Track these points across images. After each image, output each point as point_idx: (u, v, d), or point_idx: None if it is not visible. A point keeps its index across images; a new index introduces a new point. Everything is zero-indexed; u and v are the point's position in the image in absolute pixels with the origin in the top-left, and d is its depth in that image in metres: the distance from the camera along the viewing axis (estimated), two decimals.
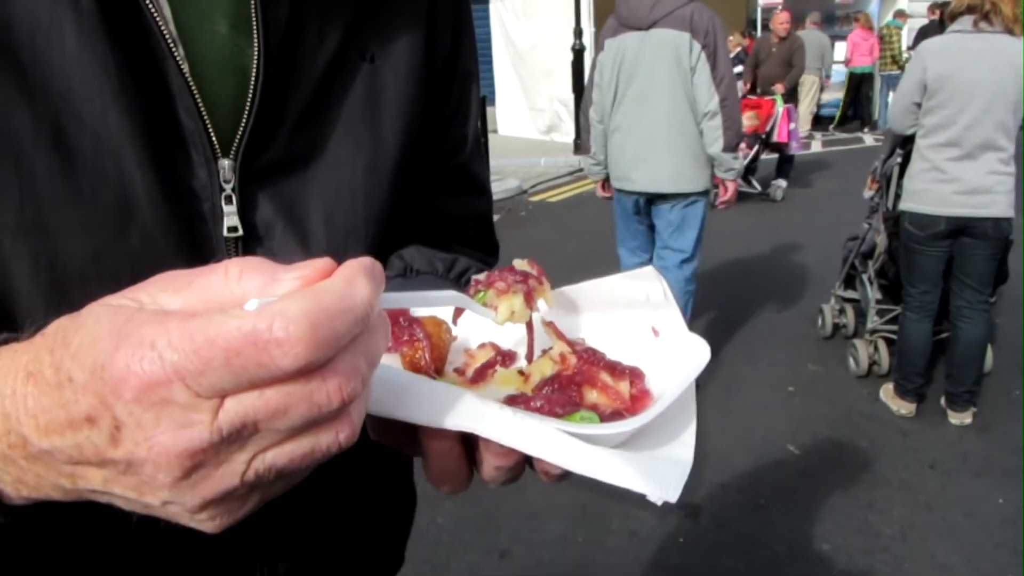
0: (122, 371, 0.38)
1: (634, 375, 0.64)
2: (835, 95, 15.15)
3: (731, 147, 3.99)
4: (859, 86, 15.06)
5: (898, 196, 3.99)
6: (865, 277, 4.60)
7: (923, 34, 15.31)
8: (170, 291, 0.43)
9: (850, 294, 4.93)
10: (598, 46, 4.38)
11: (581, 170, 11.76)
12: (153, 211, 0.61)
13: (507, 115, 15.04)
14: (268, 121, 0.66)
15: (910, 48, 15.21)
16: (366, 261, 0.44)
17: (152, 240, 0.61)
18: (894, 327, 4.25)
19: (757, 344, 5.09)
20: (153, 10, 0.59)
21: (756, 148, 8.89)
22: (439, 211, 0.87)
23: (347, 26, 0.71)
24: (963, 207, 3.60)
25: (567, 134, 13.33)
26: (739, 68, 13.52)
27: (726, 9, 16.37)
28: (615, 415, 0.59)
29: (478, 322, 0.70)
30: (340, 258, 0.47)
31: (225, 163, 0.64)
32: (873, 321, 4.49)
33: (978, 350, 3.89)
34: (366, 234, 0.73)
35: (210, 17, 0.64)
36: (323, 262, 0.43)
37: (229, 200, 0.65)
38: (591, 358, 0.64)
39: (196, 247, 0.63)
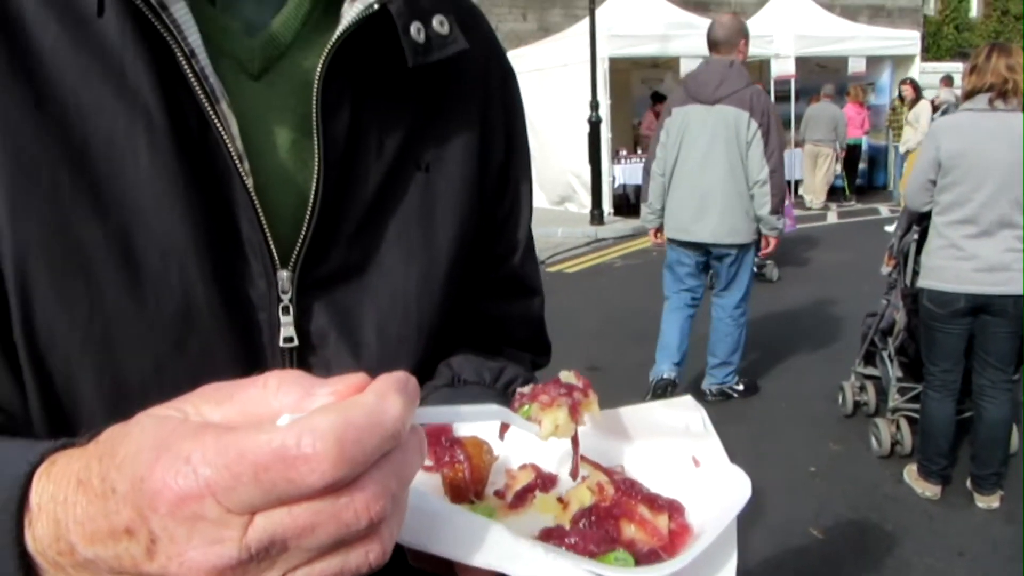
0: (158, 485, 0.39)
1: (673, 509, 0.62)
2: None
3: (776, 210, 4.77)
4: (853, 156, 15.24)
5: (916, 273, 3.96)
6: (885, 354, 4.54)
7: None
8: (212, 403, 0.44)
9: (870, 371, 4.86)
10: (665, 111, 5.05)
11: (599, 240, 11.83)
12: (213, 321, 0.63)
13: None
14: (326, 233, 0.68)
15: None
16: (400, 376, 0.44)
17: (211, 350, 0.63)
18: (916, 406, 4.18)
19: (777, 422, 5.02)
20: (221, 128, 0.62)
21: None
22: (490, 314, 0.87)
23: (404, 137, 0.73)
24: (982, 284, 3.57)
25: (581, 205, 13.43)
26: None
27: None
28: (652, 554, 0.58)
29: (521, 439, 0.68)
30: (391, 367, 0.49)
31: (284, 274, 0.66)
32: (894, 400, 4.42)
33: (1003, 431, 3.81)
34: (418, 342, 0.73)
35: (274, 132, 0.68)
36: (357, 377, 0.44)
37: (286, 311, 0.67)
38: (629, 490, 0.63)
39: (252, 357, 0.65)
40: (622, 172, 14.23)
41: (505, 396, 0.78)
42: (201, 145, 0.62)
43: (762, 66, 16.06)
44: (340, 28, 0.67)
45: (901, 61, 16.50)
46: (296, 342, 0.67)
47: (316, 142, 0.67)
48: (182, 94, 0.61)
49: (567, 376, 0.65)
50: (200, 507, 0.39)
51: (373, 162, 0.71)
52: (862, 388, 4.98)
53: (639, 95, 16.33)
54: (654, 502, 0.62)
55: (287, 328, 0.67)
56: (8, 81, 0.58)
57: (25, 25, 0.59)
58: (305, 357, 0.68)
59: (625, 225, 12.87)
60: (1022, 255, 3.55)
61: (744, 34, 4.72)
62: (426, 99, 0.75)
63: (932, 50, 25.18)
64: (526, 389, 0.64)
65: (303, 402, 0.42)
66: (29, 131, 0.58)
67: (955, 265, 3.63)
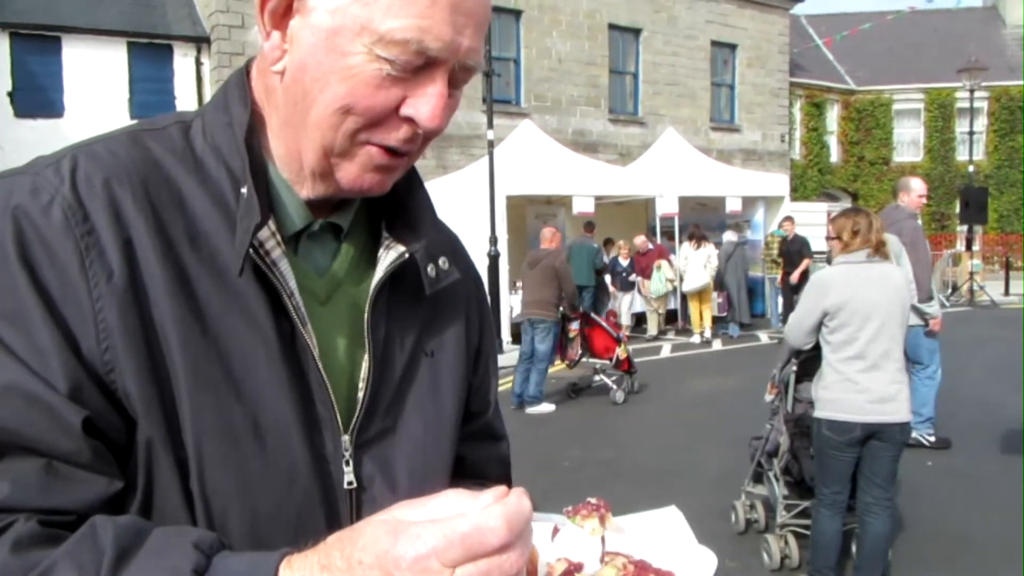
0: (400, 551, 0.65)
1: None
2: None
3: (924, 300, 6.72)
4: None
5: (796, 400, 4.41)
6: (771, 474, 4.92)
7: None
8: (409, 509, 0.72)
9: (759, 490, 5.22)
10: None
11: (499, 368, 12.04)
12: (306, 472, 0.87)
13: None
14: (371, 409, 0.93)
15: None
16: (522, 489, 0.72)
17: (306, 492, 0.87)
18: (802, 521, 4.54)
19: None
20: (309, 342, 0.88)
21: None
22: (470, 457, 1.12)
23: (417, 335, 1.00)
24: (875, 415, 4.04)
25: None
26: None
27: (632, 217, 17.64)
28: None
29: (542, 544, 0.94)
30: None
31: (345, 438, 0.91)
32: (782, 516, 4.77)
33: (884, 543, 4.20)
34: (434, 481, 0.97)
35: (336, 340, 0.93)
36: (503, 488, 0.71)
37: (347, 463, 0.91)
38: (643, 565, 0.91)
39: (328, 496, 0.89)
40: (519, 302, 14.68)
41: None
42: (294, 353, 0.88)
43: (648, 204, 17.12)
44: (381, 271, 0.94)
45: (773, 201, 17.90)
46: (355, 484, 0.91)
47: (367, 347, 0.93)
48: (283, 320, 0.87)
49: (593, 500, 0.95)
50: (428, 563, 0.64)
51: (398, 355, 0.97)
52: (752, 506, 5.33)
53: (534, 229, 17.02)
54: (659, 572, 0.90)
55: (348, 475, 0.91)
56: (191, 321, 0.82)
57: (191, 281, 0.84)
58: (359, 495, 0.91)
59: None
60: (902, 386, 4.08)
61: (905, 188, 7.08)
62: (430, 307, 1.02)
63: (800, 190, 27.29)
64: (571, 508, 0.94)
65: (474, 503, 0.68)
66: (201, 351, 0.82)
67: (852, 398, 4.09)
